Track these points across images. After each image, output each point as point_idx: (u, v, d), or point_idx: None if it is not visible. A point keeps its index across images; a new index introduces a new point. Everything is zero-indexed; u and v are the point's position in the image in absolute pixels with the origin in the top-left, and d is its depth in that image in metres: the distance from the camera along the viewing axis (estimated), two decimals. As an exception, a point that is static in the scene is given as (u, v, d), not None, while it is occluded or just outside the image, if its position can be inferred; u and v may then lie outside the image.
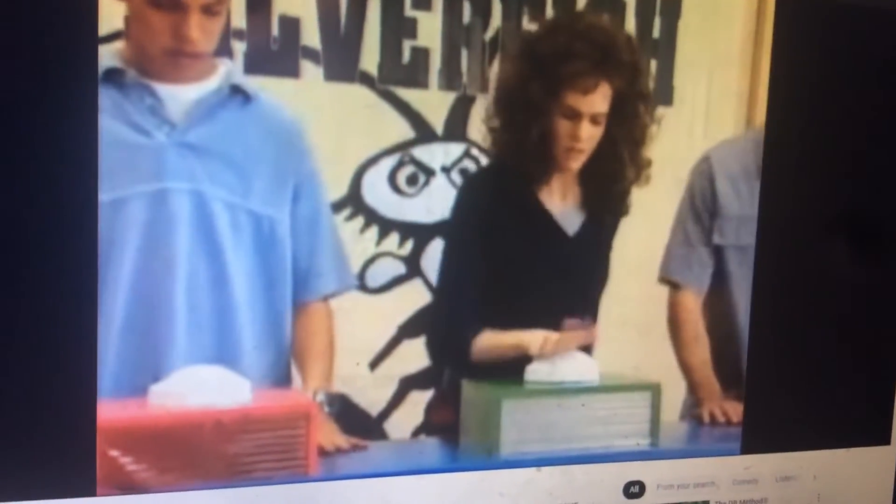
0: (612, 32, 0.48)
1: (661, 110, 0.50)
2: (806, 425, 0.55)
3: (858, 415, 0.56)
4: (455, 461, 0.49)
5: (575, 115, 0.48)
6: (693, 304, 0.52)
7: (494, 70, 0.47)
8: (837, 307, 0.55)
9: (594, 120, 0.49)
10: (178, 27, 0.42)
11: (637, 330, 0.52)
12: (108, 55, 0.41)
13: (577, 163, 0.49)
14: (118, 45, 0.41)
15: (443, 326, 0.48)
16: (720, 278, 0.53)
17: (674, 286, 0.52)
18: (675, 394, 0.53)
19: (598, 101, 0.48)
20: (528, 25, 0.47)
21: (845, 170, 0.54)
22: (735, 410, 0.54)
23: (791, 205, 0.53)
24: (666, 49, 0.50)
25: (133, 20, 0.41)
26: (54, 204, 0.41)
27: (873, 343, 0.56)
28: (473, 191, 0.47)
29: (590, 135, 0.49)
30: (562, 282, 0.50)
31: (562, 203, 0.49)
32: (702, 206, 0.52)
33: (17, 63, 0.40)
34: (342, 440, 0.47)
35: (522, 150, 0.48)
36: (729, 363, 0.53)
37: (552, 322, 0.50)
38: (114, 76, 0.41)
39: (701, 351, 0.53)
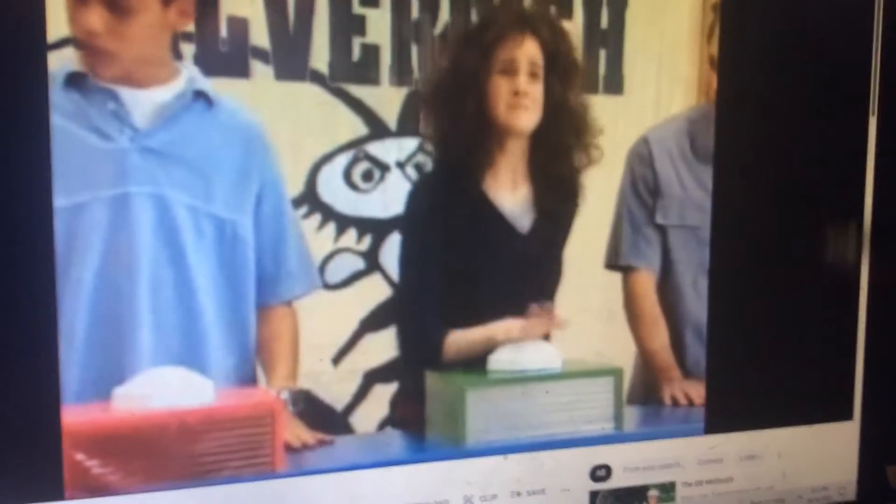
0: (531, 4, 0.49)
1: (609, 97, 0.51)
2: (769, 403, 0.56)
3: (820, 391, 0.57)
4: (422, 452, 0.49)
5: (512, 68, 0.48)
6: (647, 285, 0.53)
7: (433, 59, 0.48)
8: (796, 285, 0.56)
9: (532, 73, 0.49)
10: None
11: (597, 316, 0.52)
12: (69, 60, 0.41)
13: (525, 120, 0.49)
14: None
15: (407, 323, 0.48)
16: (668, 259, 0.54)
17: (626, 270, 0.53)
18: (637, 378, 0.54)
19: (531, 50, 0.49)
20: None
21: (797, 149, 0.55)
22: (697, 391, 0.55)
23: (745, 185, 0.54)
24: (614, 39, 0.51)
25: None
26: (8, 210, 0.41)
27: (833, 320, 0.57)
28: (421, 187, 0.48)
29: (529, 89, 0.49)
30: (518, 273, 0.50)
31: (511, 197, 0.50)
32: (643, 188, 0.53)
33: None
34: (308, 436, 0.47)
35: (462, 126, 0.48)
36: (687, 344, 0.54)
37: (513, 312, 0.50)
38: (75, 80, 0.42)
39: (660, 334, 0.54)
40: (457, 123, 0.48)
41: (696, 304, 0.54)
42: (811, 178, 0.56)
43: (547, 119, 0.50)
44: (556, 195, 0.51)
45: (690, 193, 0.53)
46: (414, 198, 0.48)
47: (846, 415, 0.58)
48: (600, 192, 0.52)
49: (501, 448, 0.51)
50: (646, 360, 0.53)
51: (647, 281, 0.53)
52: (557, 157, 0.50)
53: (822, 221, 0.56)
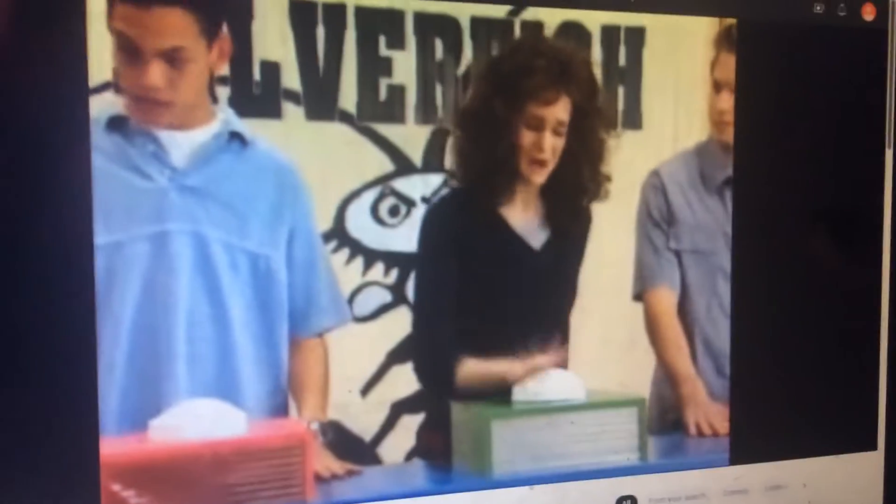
0: (570, 50, 0.51)
1: (628, 132, 0.52)
2: (793, 434, 0.56)
3: (845, 421, 0.58)
4: (448, 483, 0.50)
5: (539, 126, 0.50)
6: (668, 304, 0.54)
7: (465, 96, 0.49)
8: (818, 316, 0.57)
9: (556, 131, 0.51)
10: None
11: (620, 346, 0.53)
12: (110, 103, 0.43)
13: (540, 176, 0.51)
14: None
15: (425, 351, 0.49)
16: (684, 283, 0.54)
17: (648, 290, 0.53)
18: (657, 407, 0.54)
19: (560, 111, 0.51)
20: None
21: (814, 182, 0.56)
22: (720, 418, 0.55)
23: (765, 215, 0.55)
24: (632, 76, 0.52)
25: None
26: (53, 247, 0.43)
27: (856, 349, 0.58)
28: (439, 216, 0.49)
29: (552, 146, 0.51)
30: (534, 297, 0.51)
31: (524, 219, 0.51)
32: (658, 217, 0.54)
33: (14, 115, 0.42)
34: (337, 466, 0.48)
35: (488, 167, 0.50)
36: (704, 368, 0.55)
37: (528, 338, 0.51)
38: (116, 123, 0.43)
39: (683, 356, 0.54)
40: (483, 164, 0.50)
41: (710, 329, 0.55)
42: (829, 210, 0.57)
43: (562, 164, 0.51)
44: (567, 219, 0.52)
45: (701, 220, 0.54)
46: (431, 220, 0.49)
47: (870, 445, 0.58)
48: (619, 224, 0.53)
49: (527, 479, 0.51)
50: (671, 383, 0.54)
51: (668, 299, 0.54)
52: (569, 191, 0.52)
53: (842, 252, 0.57)
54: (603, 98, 0.52)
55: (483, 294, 0.51)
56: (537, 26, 0.50)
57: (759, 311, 0.55)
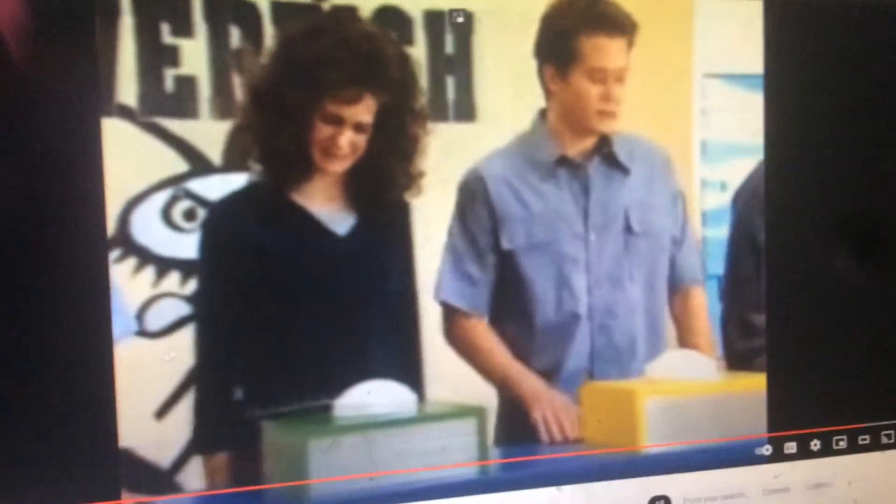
0: (380, 43, 0.47)
1: (463, 126, 0.49)
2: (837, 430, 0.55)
3: (891, 416, 0.55)
4: (260, 510, 0.46)
5: (337, 123, 0.46)
6: (477, 322, 0.50)
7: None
8: (866, 305, 0.55)
9: (357, 128, 0.46)
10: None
11: (456, 354, 0.50)
12: None
13: (338, 166, 0.47)
14: None
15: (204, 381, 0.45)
16: (511, 285, 0.51)
17: (454, 310, 0.50)
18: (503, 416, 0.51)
19: (362, 111, 0.46)
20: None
21: (849, 168, 0.54)
22: (569, 418, 0.51)
23: (800, 209, 0.53)
24: (462, 65, 0.49)
25: None
26: None
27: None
28: (227, 214, 0.45)
29: (351, 142, 0.46)
30: (344, 281, 0.47)
31: (327, 205, 0.47)
32: (475, 225, 0.50)
33: None
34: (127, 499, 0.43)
35: (280, 157, 0.45)
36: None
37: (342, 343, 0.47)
38: None
39: (501, 366, 0.51)
40: (271, 151, 0.45)
41: (560, 316, 0.51)
42: (873, 203, 0.55)
43: (367, 158, 0.47)
44: (374, 207, 0.48)
45: (536, 211, 0.51)
46: (215, 219, 0.45)
47: (919, 440, 0.56)
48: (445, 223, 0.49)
49: (354, 501, 0.47)
50: (498, 396, 0.50)
51: (472, 321, 0.50)
52: (375, 182, 0.48)
53: (880, 234, 0.55)
54: (419, 93, 0.47)
55: (284, 278, 0.46)
56: (348, 11, 0.46)
57: (800, 298, 0.53)
